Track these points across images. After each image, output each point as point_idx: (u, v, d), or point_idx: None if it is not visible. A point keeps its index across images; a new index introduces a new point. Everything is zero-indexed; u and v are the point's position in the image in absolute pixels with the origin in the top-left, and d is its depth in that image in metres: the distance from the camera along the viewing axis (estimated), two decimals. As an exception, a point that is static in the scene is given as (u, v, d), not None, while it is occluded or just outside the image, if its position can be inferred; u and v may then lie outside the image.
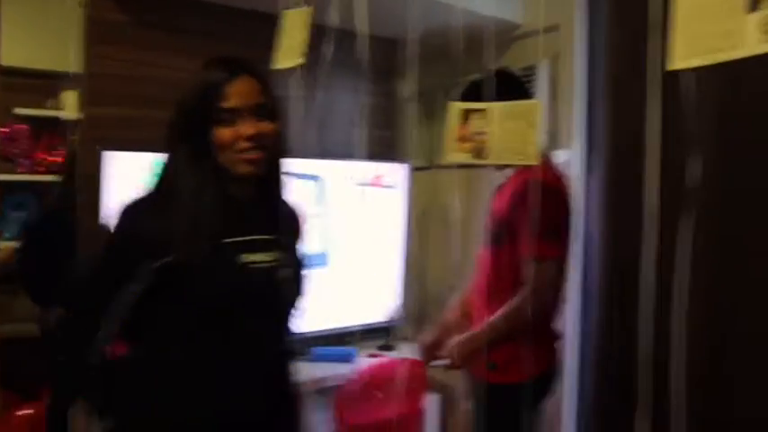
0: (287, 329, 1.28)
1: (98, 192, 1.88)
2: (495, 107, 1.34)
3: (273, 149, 1.19)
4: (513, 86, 1.81)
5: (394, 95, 2.78)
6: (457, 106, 1.37)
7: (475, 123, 1.36)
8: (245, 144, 1.13)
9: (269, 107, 1.18)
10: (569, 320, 2.20)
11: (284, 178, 1.27)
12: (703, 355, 1.64)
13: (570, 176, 2.22)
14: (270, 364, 1.23)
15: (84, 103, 2.03)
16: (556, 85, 2.35)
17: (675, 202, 0.90)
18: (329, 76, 2.55)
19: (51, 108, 2.78)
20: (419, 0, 2.20)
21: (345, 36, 2.59)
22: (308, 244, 1.36)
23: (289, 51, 1.23)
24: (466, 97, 1.48)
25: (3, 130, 2.77)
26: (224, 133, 1.13)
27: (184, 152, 1.16)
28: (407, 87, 2.80)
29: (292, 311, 1.27)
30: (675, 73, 0.84)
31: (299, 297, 1.27)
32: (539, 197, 1.66)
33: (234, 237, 1.17)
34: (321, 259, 2.34)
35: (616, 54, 2.00)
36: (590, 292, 2.16)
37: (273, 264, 1.20)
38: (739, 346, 1.62)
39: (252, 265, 1.17)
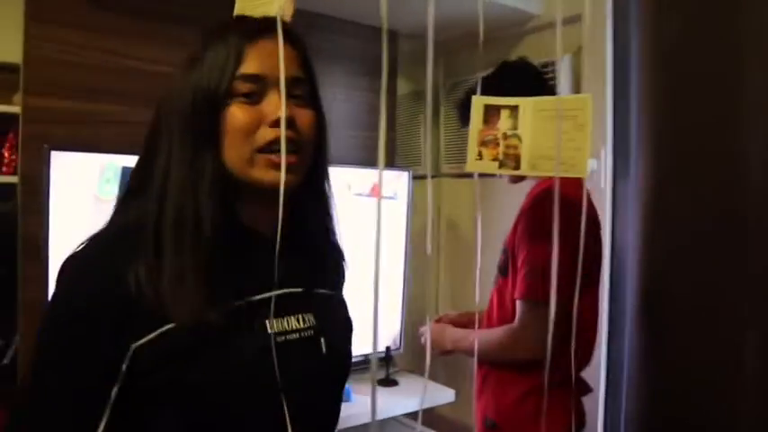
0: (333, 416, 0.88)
1: (42, 197, 1.60)
2: (530, 103, 1.07)
3: (310, 153, 0.80)
4: (533, 82, 1.50)
5: (394, 94, 2.51)
6: (481, 101, 1.09)
7: (504, 123, 1.08)
8: (270, 134, 0.73)
9: (308, 88, 0.80)
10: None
11: (328, 200, 0.87)
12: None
13: (593, 188, 1.96)
14: None
15: (23, 93, 1.74)
16: (579, 84, 2.07)
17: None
18: (323, 70, 2.32)
19: (17, 104, 2.53)
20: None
21: (336, 24, 2.31)
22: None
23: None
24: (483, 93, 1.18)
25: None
26: (239, 114, 0.74)
27: (180, 156, 0.74)
28: (406, 85, 2.54)
29: (339, 391, 0.89)
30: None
31: (348, 370, 0.90)
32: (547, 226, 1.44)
33: (253, 293, 0.77)
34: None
35: (658, 50, 1.74)
36: (620, 326, 1.89)
37: (309, 332, 0.81)
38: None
39: (283, 338, 0.78)
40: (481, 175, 2.03)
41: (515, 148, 1.09)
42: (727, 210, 0.69)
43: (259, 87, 0.75)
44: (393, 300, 2.24)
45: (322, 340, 0.82)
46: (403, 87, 2.56)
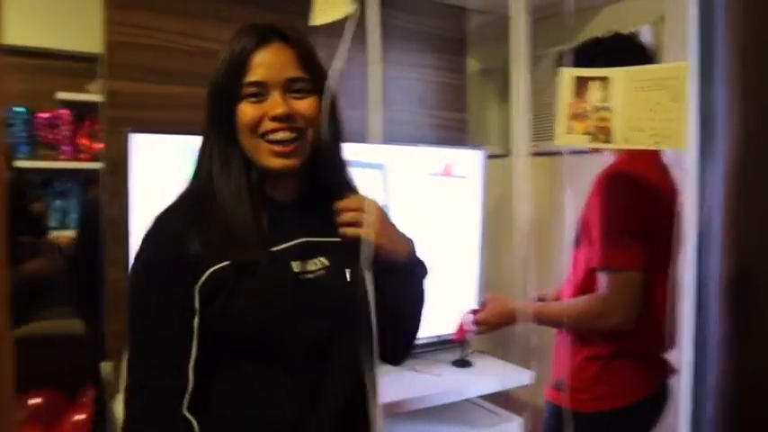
0: (358, 351, 1.00)
1: (126, 179, 1.64)
2: (622, 73, 1.02)
3: (316, 135, 0.98)
4: (634, 55, 1.42)
5: (465, 71, 2.46)
6: (570, 73, 1.05)
7: (594, 95, 1.04)
8: (271, 125, 0.94)
9: (308, 82, 0.97)
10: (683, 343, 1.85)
11: (340, 171, 1.06)
12: None
13: (679, 168, 1.87)
14: (346, 391, 1.00)
15: (104, 78, 1.78)
16: (661, 57, 1.98)
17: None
18: (391, 47, 2.29)
19: (94, 92, 2.62)
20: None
21: (404, 1, 2.28)
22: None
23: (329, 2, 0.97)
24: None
25: (44, 115, 2.66)
26: (247, 111, 0.95)
27: (216, 142, 0.99)
28: (475, 63, 2.48)
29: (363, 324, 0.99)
30: None
31: (369, 305, 0.99)
32: (620, 191, 1.42)
33: (278, 244, 0.98)
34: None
35: (747, 21, 1.63)
36: (706, 308, 1.81)
37: (320, 273, 1.00)
38: None
39: (302, 276, 0.98)
40: (557, 154, 1.98)
41: (606, 120, 1.05)
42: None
43: (262, 90, 0.95)
44: (468, 281, 2.21)
45: (347, 272, 1.00)
46: (472, 65, 2.51)
